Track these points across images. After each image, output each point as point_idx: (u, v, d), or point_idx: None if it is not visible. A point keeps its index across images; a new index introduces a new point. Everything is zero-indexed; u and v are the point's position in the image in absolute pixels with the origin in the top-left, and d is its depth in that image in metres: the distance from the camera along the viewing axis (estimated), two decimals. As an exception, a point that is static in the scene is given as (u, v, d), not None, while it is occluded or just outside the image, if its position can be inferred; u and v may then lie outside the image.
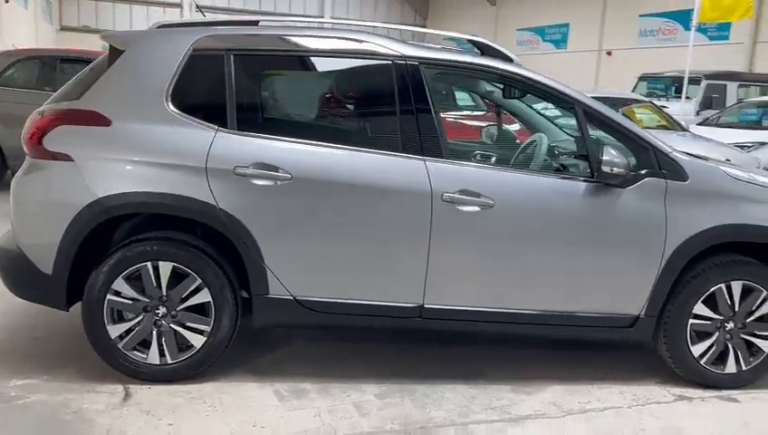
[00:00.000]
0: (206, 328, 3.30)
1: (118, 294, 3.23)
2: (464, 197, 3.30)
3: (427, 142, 3.34)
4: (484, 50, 3.64)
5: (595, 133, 3.61)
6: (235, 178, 3.20)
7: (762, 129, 12.53)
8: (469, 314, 3.44)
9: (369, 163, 3.31)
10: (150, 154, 3.19)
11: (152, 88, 3.26)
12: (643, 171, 3.44)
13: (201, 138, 3.21)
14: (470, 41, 3.70)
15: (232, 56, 3.32)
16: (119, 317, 3.29)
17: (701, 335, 3.59)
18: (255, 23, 3.54)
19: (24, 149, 3.32)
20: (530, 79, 3.52)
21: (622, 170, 3.31)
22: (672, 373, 3.69)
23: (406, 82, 3.36)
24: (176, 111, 3.23)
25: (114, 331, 3.26)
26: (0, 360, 3.52)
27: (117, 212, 3.18)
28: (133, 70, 3.29)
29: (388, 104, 3.42)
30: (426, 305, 3.39)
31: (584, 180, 3.43)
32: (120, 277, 3.21)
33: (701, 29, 20.11)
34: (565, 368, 3.77)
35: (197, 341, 3.31)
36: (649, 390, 3.60)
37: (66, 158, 3.17)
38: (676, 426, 3.24)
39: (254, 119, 3.42)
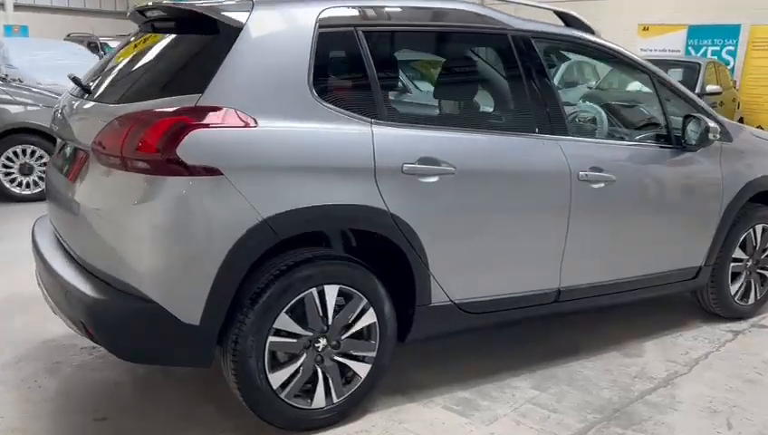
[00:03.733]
0: (371, 353, 2.84)
1: (279, 333, 2.61)
2: (595, 174, 3.27)
3: (555, 121, 3.22)
4: (570, 22, 3.58)
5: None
6: (402, 177, 2.75)
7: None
8: (593, 289, 3.47)
9: (517, 147, 3.11)
10: (312, 159, 2.58)
11: (291, 76, 2.61)
12: (705, 135, 3.74)
13: (360, 134, 2.69)
14: (556, 12, 3.60)
15: (361, 31, 2.81)
16: (276, 362, 2.66)
17: (735, 276, 4.10)
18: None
19: (128, 163, 2.43)
20: (616, 51, 3.58)
21: (718, 136, 3.57)
22: (701, 314, 4.15)
23: (528, 60, 3.18)
24: (324, 103, 2.65)
25: (276, 379, 2.63)
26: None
27: (288, 234, 2.54)
28: (261, 54, 2.59)
29: (517, 82, 3.23)
30: (562, 288, 3.33)
31: (668, 147, 3.62)
32: (282, 312, 2.59)
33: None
34: (631, 329, 3.97)
35: (362, 370, 2.84)
36: (708, 332, 3.99)
37: (213, 172, 2.40)
38: (766, 359, 3.67)
39: (401, 106, 2.99)
